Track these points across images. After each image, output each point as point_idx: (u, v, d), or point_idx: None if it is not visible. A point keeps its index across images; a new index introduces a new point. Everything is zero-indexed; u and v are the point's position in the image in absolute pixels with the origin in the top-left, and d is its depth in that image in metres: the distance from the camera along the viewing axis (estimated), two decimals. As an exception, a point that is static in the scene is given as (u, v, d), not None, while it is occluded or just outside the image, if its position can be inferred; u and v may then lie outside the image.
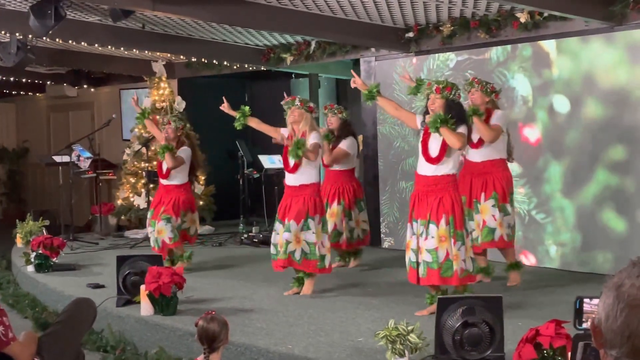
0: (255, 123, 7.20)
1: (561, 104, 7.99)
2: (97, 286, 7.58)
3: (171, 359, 5.76)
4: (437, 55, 9.12)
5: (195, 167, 8.51)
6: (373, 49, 9.70)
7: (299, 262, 6.75)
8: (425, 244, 5.91)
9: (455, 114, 5.87)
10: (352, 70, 6.96)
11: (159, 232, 8.14)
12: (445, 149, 5.88)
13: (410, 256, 6.08)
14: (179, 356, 5.77)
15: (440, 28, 8.66)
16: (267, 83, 13.21)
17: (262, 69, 11.18)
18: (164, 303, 6.27)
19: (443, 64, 9.07)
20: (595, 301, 3.86)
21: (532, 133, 8.24)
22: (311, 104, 6.97)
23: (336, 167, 8.22)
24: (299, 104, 6.86)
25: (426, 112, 6.06)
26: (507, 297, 5.20)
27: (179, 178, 8.30)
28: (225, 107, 7.35)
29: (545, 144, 8.14)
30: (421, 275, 5.96)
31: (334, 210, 8.11)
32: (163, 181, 8.38)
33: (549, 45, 8.07)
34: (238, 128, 7.22)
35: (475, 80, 6.98)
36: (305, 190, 6.78)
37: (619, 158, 7.55)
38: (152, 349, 5.96)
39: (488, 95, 6.90)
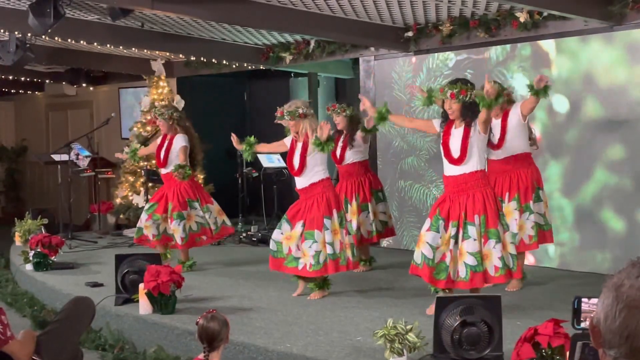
0: (262, 148, 7.19)
1: (560, 103, 8.00)
2: (96, 285, 7.58)
3: (169, 358, 5.76)
4: (436, 54, 9.13)
5: (193, 151, 8.43)
6: (372, 48, 9.70)
7: (328, 266, 6.61)
8: (465, 245, 5.78)
9: (472, 116, 5.85)
10: (360, 95, 6.84)
11: (174, 230, 8.15)
12: (466, 147, 5.82)
13: (423, 250, 5.89)
14: (177, 355, 5.78)
15: (440, 27, 8.65)
16: (266, 82, 13.21)
17: (261, 68, 11.17)
18: (163, 302, 6.27)
19: (442, 63, 9.07)
20: (594, 301, 3.87)
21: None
22: (300, 110, 6.75)
23: (349, 161, 8.09)
24: (288, 117, 6.74)
25: (445, 115, 6.01)
26: (505, 296, 5.20)
27: (186, 159, 8.21)
28: (234, 141, 7.19)
29: (545, 144, 8.14)
30: (462, 278, 5.79)
31: (354, 209, 8.01)
32: (162, 170, 8.34)
33: (548, 44, 8.07)
34: (249, 160, 7.15)
35: (507, 94, 6.77)
36: (316, 189, 6.70)
37: (618, 157, 7.56)
38: (151, 348, 5.95)
39: (503, 99, 6.74)
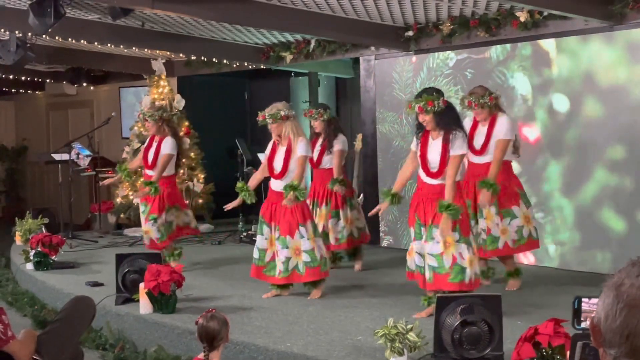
0: (256, 182, 7.02)
1: (561, 103, 7.99)
2: (96, 284, 7.58)
3: (170, 357, 5.77)
4: (436, 54, 9.13)
5: (180, 155, 8.43)
6: (373, 48, 9.70)
7: (303, 273, 6.62)
8: (426, 247, 5.82)
9: (448, 121, 5.83)
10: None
11: (146, 232, 8.15)
12: (444, 163, 5.82)
13: (415, 259, 5.96)
14: (178, 354, 5.78)
15: (440, 27, 8.65)
16: (266, 81, 13.21)
17: (262, 67, 11.17)
18: (163, 301, 6.27)
19: (443, 62, 9.07)
20: (594, 301, 3.87)
21: (532, 132, 8.25)
22: (283, 113, 6.66)
23: (325, 166, 8.07)
24: (270, 120, 6.67)
25: (419, 127, 6.02)
26: (506, 296, 5.20)
27: (165, 169, 8.20)
28: (230, 206, 7.06)
29: (545, 143, 8.14)
30: (428, 280, 5.85)
31: (322, 212, 8.00)
32: (148, 172, 8.32)
33: (548, 44, 8.07)
34: (251, 202, 6.97)
35: (469, 101, 6.73)
36: None
37: (618, 157, 7.56)
38: (151, 347, 5.96)
39: (487, 107, 6.72)
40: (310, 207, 7.82)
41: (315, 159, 8.04)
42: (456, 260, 5.75)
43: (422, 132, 6.01)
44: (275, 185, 6.78)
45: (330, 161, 8.05)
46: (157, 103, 11.53)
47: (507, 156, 6.84)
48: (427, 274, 5.84)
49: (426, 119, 5.86)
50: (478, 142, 6.78)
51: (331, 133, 8.03)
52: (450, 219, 5.68)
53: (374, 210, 6.43)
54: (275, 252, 6.71)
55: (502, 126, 6.70)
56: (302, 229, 6.61)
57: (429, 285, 5.87)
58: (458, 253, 5.76)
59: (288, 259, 6.60)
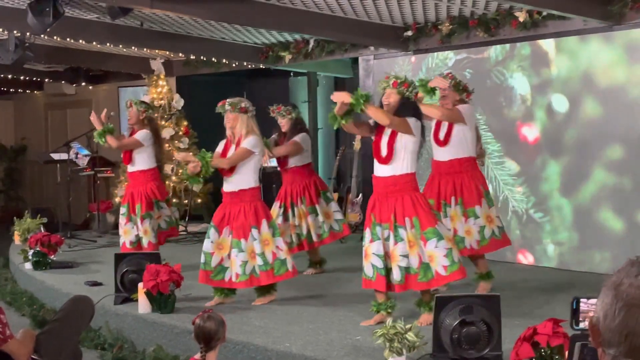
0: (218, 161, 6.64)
1: (560, 103, 8.00)
2: (95, 284, 7.58)
3: (169, 357, 5.76)
4: (435, 54, 9.13)
5: (157, 152, 8.31)
6: (372, 48, 9.70)
7: (259, 277, 6.46)
8: (397, 248, 5.62)
9: (410, 112, 5.66)
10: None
11: (144, 232, 8.03)
12: (392, 146, 5.62)
13: (372, 261, 5.70)
14: (177, 354, 5.78)
15: (439, 27, 8.66)
16: (265, 81, 13.20)
17: (261, 67, 11.17)
18: (162, 301, 6.27)
19: (442, 62, 9.07)
20: (593, 301, 3.87)
21: (531, 132, 8.25)
22: (243, 105, 6.56)
23: (292, 165, 7.90)
24: (229, 107, 6.52)
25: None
26: (504, 295, 5.20)
27: (143, 163, 8.13)
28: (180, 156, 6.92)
29: (544, 143, 8.15)
30: (398, 281, 5.63)
31: (300, 211, 7.86)
32: (129, 168, 8.25)
33: (547, 44, 8.07)
34: (191, 183, 6.82)
35: (450, 75, 6.67)
36: (244, 196, 6.51)
37: (617, 157, 7.56)
38: (150, 347, 5.96)
39: (459, 93, 6.58)
40: (288, 210, 7.78)
41: (282, 159, 7.93)
42: (422, 259, 5.59)
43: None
44: (226, 186, 6.61)
45: (297, 161, 7.89)
46: (155, 103, 11.55)
47: (472, 153, 6.64)
48: (396, 276, 5.63)
49: (392, 98, 5.65)
50: (442, 133, 6.60)
51: (295, 132, 7.86)
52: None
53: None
54: (223, 258, 6.51)
55: (462, 109, 6.53)
56: (254, 231, 6.44)
57: (398, 287, 5.66)
58: (421, 250, 5.58)
59: (245, 263, 6.42)
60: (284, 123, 7.91)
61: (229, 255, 6.52)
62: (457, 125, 6.52)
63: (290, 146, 7.83)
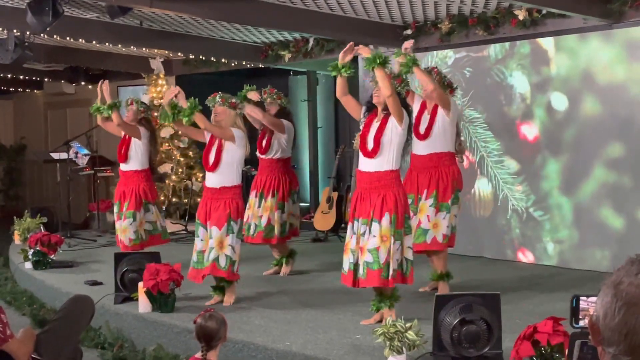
0: (200, 120, 6.63)
1: (559, 101, 8.00)
2: (95, 283, 7.58)
3: (169, 356, 5.76)
4: (435, 52, 9.12)
5: (152, 154, 8.31)
6: (371, 46, 9.67)
7: (226, 269, 6.45)
8: (367, 243, 5.59)
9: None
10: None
11: (122, 231, 7.98)
12: (379, 139, 5.60)
13: (349, 257, 5.72)
14: (177, 353, 5.78)
15: (439, 25, 8.66)
16: (265, 80, 13.12)
17: (260, 66, 11.17)
18: (162, 300, 6.27)
19: (441, 61, 9.07)
20: (593, 299, 3.87)
21: (530, 130, 8.25)
22: (234, 100, 6.61)
23: (272, 156, 7.80)
24: (220, 100, 6.54)
25: (370, 103, 5.82)
26: (504, 294, 5.20)
27: (138, 162, 8.13)
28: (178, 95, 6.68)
29: (543, 141, 8.15)
30: (360, 276, 5.62)
31: (268, 204, 7.74)
32: (122, 166, 8.24)
33: (547, 42, 8.07)
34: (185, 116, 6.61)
35: (435, 70, 6.68)
36: (226, 194, 6.51)
37: (617, 155, 7.56)
38: (150, 346, 5.95)
39: (444, 89, 6.55)
40: (256, 198, 7.73)
41: (264, 144, 7.81)
42: (389, 257, 5.55)
43: (369, 112, 5.83)
44: (209, 180, 6.62)
45: (277, 151, 7.79)
46: (155, 102, 11.55)
47: (451, 148, 6.64)
48: (360, 270, 5.62)
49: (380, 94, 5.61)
50: (422, 127, 6.58)
51: (282, 117, 7.77)
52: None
53: None
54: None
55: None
56: (232, 224, 6.45)
57: (361, 281, 5.65)
58: (390, 248, 5.55)
59: (211, 249, 6.43)
60: (272, 108, 7.79)
61: None
62: (439, 118, 6.52)
63: (275, 120, 7.68)
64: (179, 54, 11.21)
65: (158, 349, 5.86)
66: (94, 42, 10.20)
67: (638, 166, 7.42)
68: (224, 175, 6.54)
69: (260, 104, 7.67)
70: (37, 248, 8.53)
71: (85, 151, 11.48)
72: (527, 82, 8.24)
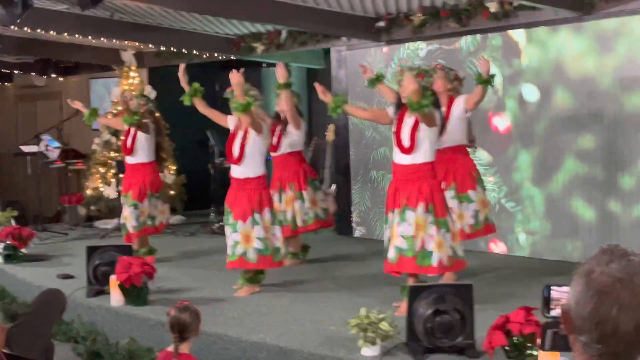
0: (202, 107, 7.15)
1: (530, 93, 8.05)
2: (67, 277, 7.53)
3: (142, 349, 5.75)
4: (407, 44, 9.14)
5: (160, 147, 8.45)
6: (344, 38, 9.69)
7: (255, 261, 6.52)
8: (400, 230, 5.70)
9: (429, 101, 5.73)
10: (316, 84, 6.48)
11: (125, 218, 8.13)
12: (414, 137, 5.75)
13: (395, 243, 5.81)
14: (150, 346, 5.76)
15: (411, 17, 8.67)
16: (237, 72, 13.12)
17: (233, 58, 11.12)
18: (135, 293, 6.25)
19: (414, 53, 9.09)
20: (564, 289, 3.91)
21: (502, 122, 8.30)
22: (252, 92, 6.79)
23: (283, 151, 7.88)
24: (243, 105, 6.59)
25: (399, 102, 5.92)
26: (477, 285, 5.23)
27: (144, 155, 8.20)
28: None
29: (515, 133, 8.20)
30: (391, 260, 5.76)
31: (289, 198, 7.85)
32: (128, 159, 8.29)
33: (518, 34, 8.12)
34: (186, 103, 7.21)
35: (438, 66, 6.77)
36: (250, 184, 6.61)
37: (588, 147, 7.62)
38: (123, 339, 5.93)
39: (450, 82, 6.69)
40: (277, 195, 7.79)
41: (274, 142, 7.87)
42: (424, 245, 5.67)
43: (399, 109, 5.92)
44: (234, 171, 6.73)
45: (288, 146, 7.88)
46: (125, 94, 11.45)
47: (464, 141, 6.78)
48: (392, 255, 5.74)
49: (410, 88, 5.65)
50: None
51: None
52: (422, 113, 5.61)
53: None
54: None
55: (459, 100, 6.63)
56: (256, 215, 6.52)
57: (390, 266, 5.78)
58: (429, 236, 5.68)
59: (237, 243, 6.50)
60: (283, 105, 7.89)
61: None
62: (453, 118, 6.58)
63: (297, 116, 7.83)
64: (150, 46, 11.13)
65: (131, 342, 5.84)
66: (64, 34, 10.10)
67: (608, 158, 7.48)
68: (248, 166, 6.65)
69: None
70: (8, 242, 8.47)
71: (56, 144, 11.38)
72: (499, 74, 8.26)
